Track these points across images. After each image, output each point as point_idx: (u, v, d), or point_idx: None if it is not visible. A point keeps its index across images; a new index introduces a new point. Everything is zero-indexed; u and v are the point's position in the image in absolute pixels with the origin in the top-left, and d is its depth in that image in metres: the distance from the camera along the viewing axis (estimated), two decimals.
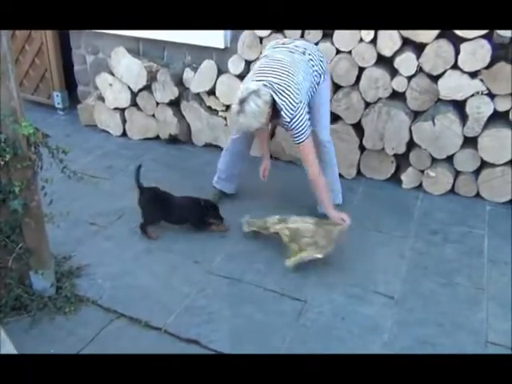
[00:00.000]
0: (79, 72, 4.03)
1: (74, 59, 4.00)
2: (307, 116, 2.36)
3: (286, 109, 2.29)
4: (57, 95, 4.09)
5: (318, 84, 2.49)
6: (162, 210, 2.58)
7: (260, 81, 2.31)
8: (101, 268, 2.35)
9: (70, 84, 4.11)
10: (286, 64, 2.37)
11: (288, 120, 2.32)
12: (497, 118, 2.79)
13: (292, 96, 2.29)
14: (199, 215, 2.60)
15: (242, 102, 2.22)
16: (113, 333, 2.00)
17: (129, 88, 3.60)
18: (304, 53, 2.47)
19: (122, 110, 3.72)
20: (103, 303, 2.14)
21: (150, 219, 2.59)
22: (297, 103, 2.29)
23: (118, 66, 3.60)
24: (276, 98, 2.28)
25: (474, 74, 2.74)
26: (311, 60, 2.46)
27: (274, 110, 2.32)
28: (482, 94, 2.75)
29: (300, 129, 2.34)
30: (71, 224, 2.57)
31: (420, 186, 3.03)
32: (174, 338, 1.97)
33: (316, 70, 2.46)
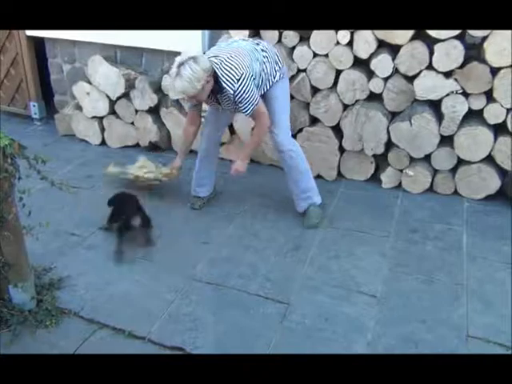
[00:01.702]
0: (56, 81, 3.99)
1: (51, 68, 3.96)
2: (255, 88, 2.40)
3: (228, 81, 2.35)
4: (33, 105, 4.05)
5: (273, 77, 2.53)
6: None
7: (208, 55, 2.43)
8: (82, 279, 2.32)
9: (46, 94, 4.07)
10: (233, 46, 2.50)
11: (231, 92, 2.36)
12: (471, 116, 2.85)
13: (234, 68, 2.35)
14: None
15: (180, 65, 2.29)
16: (96, 344, 1.97)
17: (107, 96, 3.58)
18: (258, 43, 2.55)
19: (101, 119, 3.69)
20: (85, 314, 2.11)
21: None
22: (239, 75, 2.34)
23: (95, 74, 3.57)
24: (218, 72, 2.35)
25: (448, 74, 2.80)
26: (263, 51, 2.52)
27: (217, 83, 2.38)
28: (456, 93, 2.80)
29: (247, 100, 2.38)
30: (51, 235, 2.54)
31: (399, 185, 3.08)
32: (159, 347, 1.96)
33: (269, 62, 2.50)
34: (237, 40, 2.62)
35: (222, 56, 2.40)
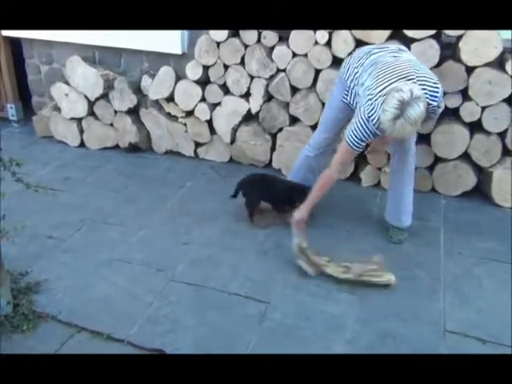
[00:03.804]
0: (33, 82, 3.93)
1: (28, 69, 3.90)
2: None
3: (432, 96, 2.13)
4: (11, 107, 3.98)
5: None
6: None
7: (396, 80, 2.11)
8: (60, 282, 2.28)
9: (24, 95, 4.01)
10: (403, 59, 2.24)
11: (435, 104, 2.15)
12: (448, 114, 2.89)
13: (430, 79, 2.14)
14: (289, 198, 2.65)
15: (404, 104, 1.98)
16: (74, 347, 1.94)
17: (85, 97, 3.54)
18: (402, 50, 2.38)
19: (79, 120, 3.65)
20: (63, 318, 2.08)
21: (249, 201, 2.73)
22: (437, 83, 2.15)
23: (73, 75, 3.53)
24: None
25: None
26: (407, 53, 2.38)
27: None
28: None
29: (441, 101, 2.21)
30: (27, 239, 2.50)
31: (378, 183, 3.11)
32: (138, 349, 1.94)
33: None
34: (385, 52, 2.34)
35: (413, 78, 2.11)
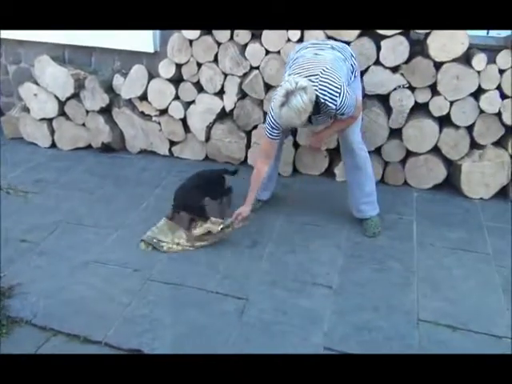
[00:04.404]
0: (1, 83, 3.84)
1: None
2: (350, 90, 2.27)
3: (331, 99, 2.20)
4: None
5: (350, 78, 2.41)
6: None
7: (299, 75, 2.22)
8: (34, 286, 2.24)
9: None
10: (320, 58, 2.33)
11: (334, 108, 2.23)
12: (418, 109, 2.96)
13: (332, 83, 2.20)
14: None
15: (290, 94, 2.11)
16: (50, 351, 1.91)
17: (55, 97, 3.47)
18: (333, 47, 2.43)
19: (50, 121, 3.58)
20: (38, 322, 2.04)
21: None
22: (339, 88, 2.20)
23: (42, 75, 3.46)
24: (317, 93, 2.18)
25: (394, 69, 2.89)
26: (340, 53, 2.41)
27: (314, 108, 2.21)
28: (403, 87, 2.90)
29: (348, 107, 2.25)
30: (0, 243, 2.45)
31: None
32: (116, 350, 1.92)
33: (351, 64, 2.41)
34: (314, 48, 2.42)
35: (316, 74, 2.21)
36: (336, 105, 2.22)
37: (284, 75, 2.40)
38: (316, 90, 2.19)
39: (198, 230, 2.54)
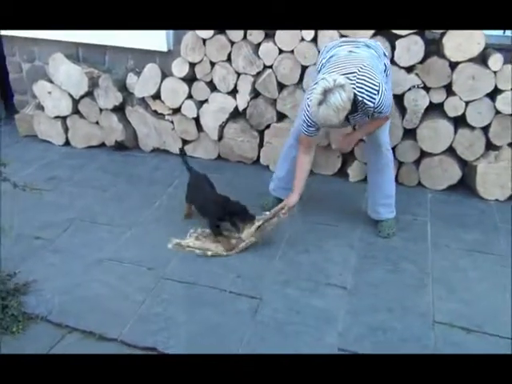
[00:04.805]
0: (15, 80, 3.87)
1: (9, 67, 3.83)
2: (388, 90, 2.26)
3: (370, 97, 2.17)
4: None
5: (384, 75, 2.38)
6: (193, 194, 2.68)
7: (336, 73, 2.18)
8: (49, 283, 2.26)
9: (5, 93, 3.94)
10: (356, 55, 2.30)
11: (372, 106, 2.20)
12: (432, 109, 2.93)
13: (370, 81, 2.16)
14: (217, 215, 2.53)
15: (328, 92, 2.08)
16: (65, 348, 1.93)
17: (69, 95, 3.49)
18: (367, 45, 2.40)
19: (64, 119, 3.60)
20: (53, 319, 2.06)
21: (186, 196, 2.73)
22: (377, 85, 2.17)
23: (56, 73, 3.48)
24: (356, 91, 2.15)
25: (409, 69, 2.87)
26: (374, 50, 2.39)
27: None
28: (418, 87, 2.88)
29: (386, 105, 2.23)
30: (14, 239, 2.45)
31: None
32: (131, 348, 1.93)
33: (384, 63, 2.39)
34: (349, 46, 2.39)
35: (353, 72, 2.18)
36: (374, 103, 2.18)
37: (318, 75, 2.33)
38: (354, 87, 2.14)
39: (246, 232, 2.48)
